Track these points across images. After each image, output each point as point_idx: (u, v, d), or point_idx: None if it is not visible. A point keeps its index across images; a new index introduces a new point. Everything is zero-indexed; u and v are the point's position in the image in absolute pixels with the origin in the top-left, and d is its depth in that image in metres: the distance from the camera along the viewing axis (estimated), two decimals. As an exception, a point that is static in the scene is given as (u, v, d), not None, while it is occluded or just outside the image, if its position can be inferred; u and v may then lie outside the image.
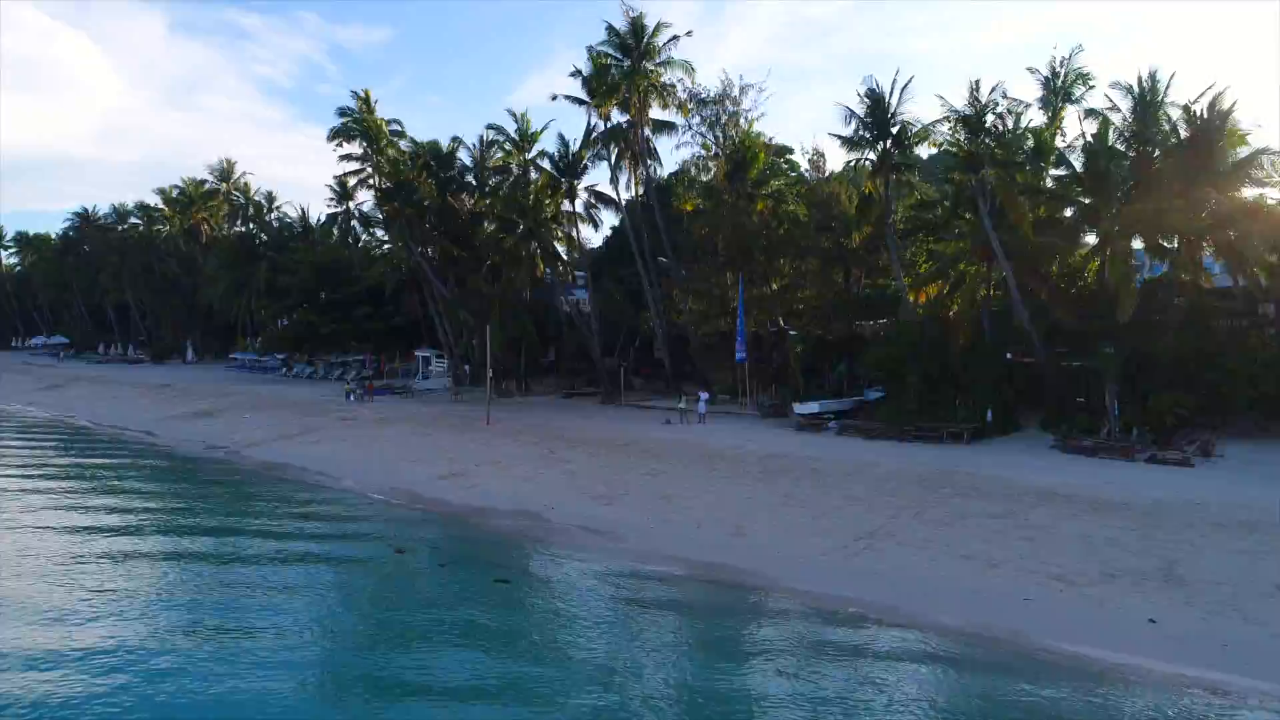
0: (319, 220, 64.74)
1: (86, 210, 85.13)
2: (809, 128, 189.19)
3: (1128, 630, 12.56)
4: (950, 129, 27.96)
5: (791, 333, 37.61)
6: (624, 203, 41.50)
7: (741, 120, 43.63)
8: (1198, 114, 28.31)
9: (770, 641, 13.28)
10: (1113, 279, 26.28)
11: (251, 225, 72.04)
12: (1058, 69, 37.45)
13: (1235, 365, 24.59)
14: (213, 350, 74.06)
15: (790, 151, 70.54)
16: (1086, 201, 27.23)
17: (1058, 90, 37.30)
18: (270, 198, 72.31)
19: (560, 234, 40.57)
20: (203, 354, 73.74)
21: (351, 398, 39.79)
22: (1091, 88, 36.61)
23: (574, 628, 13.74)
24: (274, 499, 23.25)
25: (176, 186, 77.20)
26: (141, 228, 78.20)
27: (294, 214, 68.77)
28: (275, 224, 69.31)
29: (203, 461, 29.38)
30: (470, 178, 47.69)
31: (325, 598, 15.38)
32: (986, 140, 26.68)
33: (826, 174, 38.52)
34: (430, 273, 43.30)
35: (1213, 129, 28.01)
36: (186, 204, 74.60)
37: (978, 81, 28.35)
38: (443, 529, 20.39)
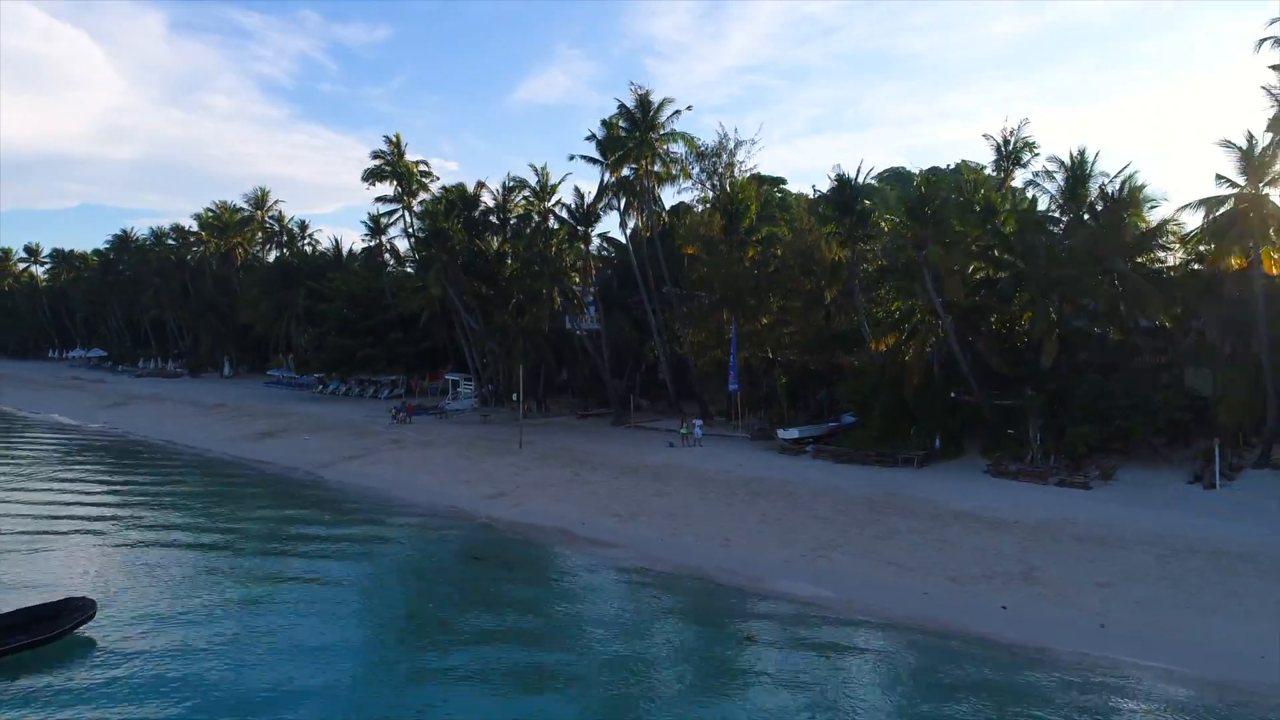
0: (350, 249, 70.76)
1: (125, 232, 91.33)
2: (809, 125, 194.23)
3: (990, 614, 18.41)
4: (901, 215, 33.72)
5: (779, 363, 43.54)
6: (630, 243, 47.36)
7: (736, 170, 49.90)
8: (1111, 192, 34.19)
9: (746, 622, 19.13)
10: (1037, 334, 32.10)
11: (285, 251, 77.90)
12: (1008, 136, 43.60)
13: (1133, 402, 30.41)
14: (247, 365, 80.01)
15: (783, 182, 76.53)
16: (1020, 266, 32.97)
17: (1008, 155, 43.44)
18: (303, 225, 78.64)
19: (576, 279, 46.29)
20: (237, 369, 79.67)
21: (394, 419, 45.64)
22: (1036, 154, 42.72)
23: (604, 608, 19.58)
24: (366, 515, 29.11)
25: (211, 210, 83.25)
26: (179, 250, 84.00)
27: (326, 242, 75.05)
28: (309, 250, 75.22)
29: (291, 483, 35.19)
30: (493, 217, 53.76)
31: (436, 589, 21.27)
32: (930, 223, 32.41)
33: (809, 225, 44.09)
34: (461, 308, 49.18)
35: (1123, 204, 33.88)
36: (222, 229, 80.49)
37: (928, 173, 34.05)
38: (500, 540, 26.20)
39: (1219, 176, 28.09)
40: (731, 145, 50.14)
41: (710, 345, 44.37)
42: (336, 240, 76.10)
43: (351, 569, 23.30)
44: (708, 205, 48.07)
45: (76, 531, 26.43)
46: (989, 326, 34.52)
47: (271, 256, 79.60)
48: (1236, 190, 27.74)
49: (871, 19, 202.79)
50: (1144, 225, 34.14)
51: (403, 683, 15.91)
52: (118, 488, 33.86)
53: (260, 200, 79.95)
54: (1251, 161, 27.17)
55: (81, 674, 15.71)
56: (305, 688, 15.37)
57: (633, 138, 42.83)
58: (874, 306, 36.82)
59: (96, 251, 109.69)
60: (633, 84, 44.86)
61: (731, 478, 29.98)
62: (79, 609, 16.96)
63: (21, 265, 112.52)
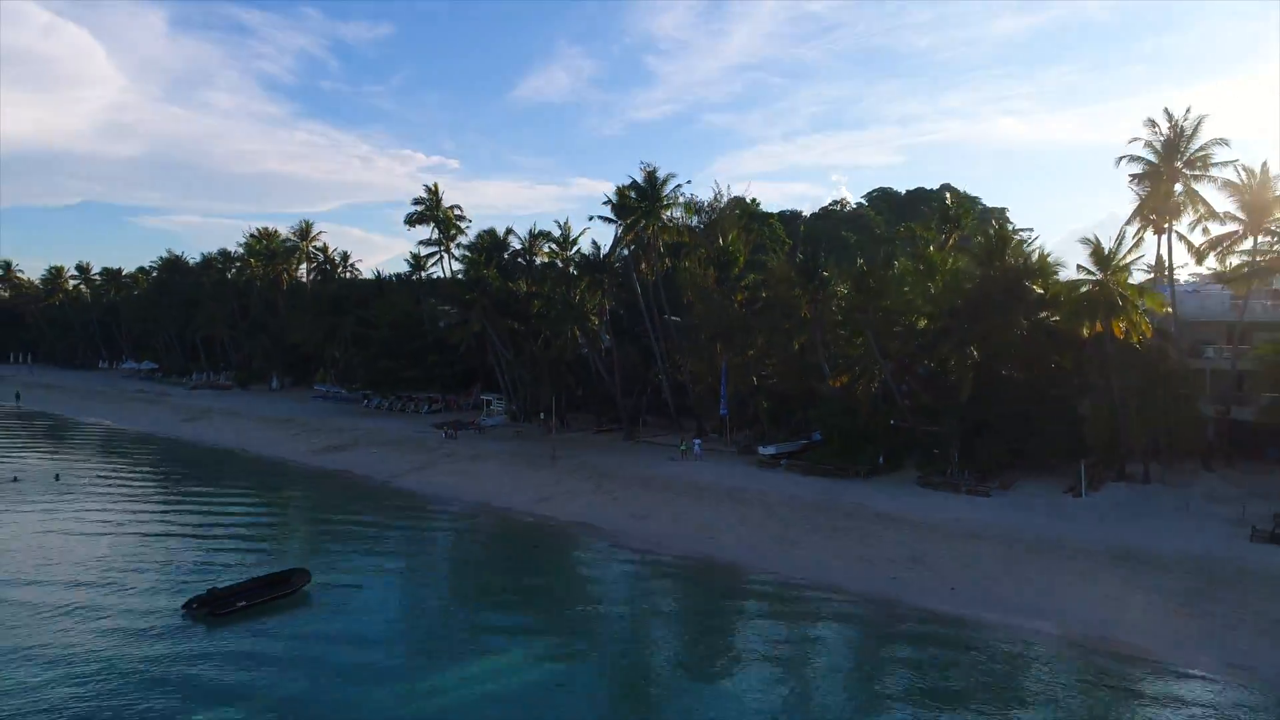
0: (389, 276, 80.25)
1: (176, 256, 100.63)
2: (810, 122, 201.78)
3: (887, 584, 27.80)
4: (848, 288, 43.06)
5: (762, 388, 52.87)
6: (638, 284, 56.59)
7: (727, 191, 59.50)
8: (1017, 261, 43.48)
9: (730, 591, 28.52)
10: (957, 374, 41.44)
11: (331, 275, 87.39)
12: (950, 205, 53.02)
13: (1029, 429, 39.73)
14: (292, 378, 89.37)
15: (771, 217, 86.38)
16: (944, 322, 42.29)
17: (950, 218, 52.82)
18: (345, 256, 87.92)
19: (595, 320, 55.60)
20: (283, 382, 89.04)
21: (446, 435, 55.03)
22: (975, 221, 52.06)
23: (624, 578, 28.96)
24: (445, 513, 38.52)
25: (256, 236, 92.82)
26: (230, 274, 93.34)
27: (365, 271, 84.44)
28: (351, 277, 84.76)
29: (376, 489, 44.54)
30: (520, 259, 63.23)
31: (494, 579, 30.72)
32: (872, 293, 41.80)
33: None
34: (496, 340, 58.56)
35: (1029, 272, 43.15)
36: (270, 257, 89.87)
37: (864, 265, 43.58)
38: (549, 532, 35.58)
39: (1080, 266, 37.53)
40: (725, 199, 59.95)
41: (705, 374, 53.74)
42: (378, 271, 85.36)
43: (445, 552, 32.77)
44: (703, 255, 57.38)
45: (259, 524, 35.96)
46: (922, 367, 43.84)
47: (301, 270, 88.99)
48: (1092, 277, 37.12)
49: (873, 17, 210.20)
50: (1044, 287, 43.36)
51: (490, 609, 25.37)
52: (263, 496, 43.45)
53: (305, 231, 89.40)
54: (1102, 256, 36.57)
55: (308, 615, 25.18)
56: (437, 620, 24.85)
57: (641, 206, 52.18)
58: (834, 348, 46.10)
59: (142, 269, 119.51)
60: (643, 163, 55.46)
61: (719, 488, 39.39)
62: (301, 575, 26.41)
63: (73, 282, 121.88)
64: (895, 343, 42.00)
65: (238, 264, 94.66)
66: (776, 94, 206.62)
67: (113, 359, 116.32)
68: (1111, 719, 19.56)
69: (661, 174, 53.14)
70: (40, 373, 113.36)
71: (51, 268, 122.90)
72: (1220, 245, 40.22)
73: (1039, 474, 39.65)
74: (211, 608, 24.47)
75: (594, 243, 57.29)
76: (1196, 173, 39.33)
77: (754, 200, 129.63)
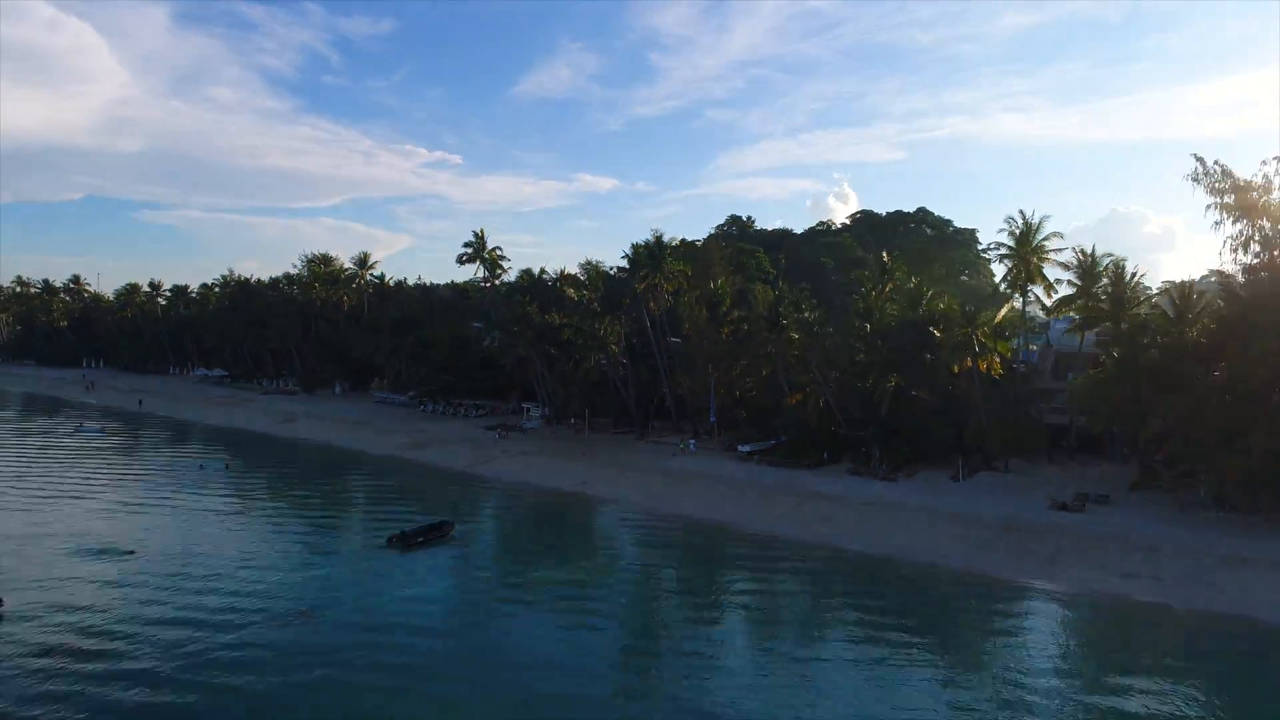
0: (438, 294, 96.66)
1: (246, 279, 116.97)
2: (812, 118, 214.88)
3: (814, 535, 44.25)
4: (800, 333, 59.44)
5: (743, 400, 69.23)
6: (647, 317, 72.79)
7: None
8: (928, 311, 59.82)
9: (713, 538, 44.98)
10: (880, 394, 57.80)
11: (383, 295, 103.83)
12: (887, 262, 69.27)
13: (928, 433, 56.13)
14: (350, 384, 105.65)
15: (756, 251, 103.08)
16: (872, 356, 58.69)
17: (887, 272, 69.07)
18: (400, 283, 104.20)
19: (614, 347, 71.96)
20: (344, 389, 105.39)
21: (499, 436, 71.42)
22: (904, 273, 68.19)
23: (643, 534, 45.41)
24: (516, 494, 54.94)
25: (312, 259, 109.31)
26: (297, 294, 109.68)
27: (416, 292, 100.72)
28: (409, 300, 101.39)
29: (457, 476, 60.83)
30: (553, 292, 79.71)
31: (563, 528, 47.21)
32: (817, 338, 58.24)
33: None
34: (537, 362, 75.00)
35: (935, 320, 59.49)
36: (332, 282, 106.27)
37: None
38: (590, 505, 51.98)
39: (962, 314, 53.99)
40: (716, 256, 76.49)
41: (699, 389, 70.13)
42: (430, 293, 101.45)
43: (522, 512, 49.25)
44: (697, 295, 73.72)
45: (402, 494, 52.43)
46: (854, 390, 60.24)
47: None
48: (963, 329, 53.60)
49: (875, 13, 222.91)
50: (944, 330, 59.61)
51: (555, 544, 41.90)
52: (390, 479, 59.96)
53: (363, 260, 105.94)
54: (968, 315, 53.06)
55: (455, 548, 41.68)
56: (527, 548, 41.41)
57: (651, 263, 68.63)
58: (792, 373, 62.45)
59: (205, 286, 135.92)
60: (653, 230, 71.99)
61: (708, 474, 55.88)
62: (449, 525, 42.91)
63: (145, 297, 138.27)
64: (835, 371, 58.48)
65: (297, 286, 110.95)
66: (779, 90, 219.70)
67: (183, 366, 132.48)
68: (921, 594, 35.92)
69: (667, 239, 69.42)
70: (117, 376, 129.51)
71: (126, 285, 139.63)
72: (1064, 305, 56.74)
73: (935, 466, 56.07)
74: (404, 542, 40.89)
75: (616, 268, 74.09)
76: (1045, 254, 55.88)
77: (750, 219, 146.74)
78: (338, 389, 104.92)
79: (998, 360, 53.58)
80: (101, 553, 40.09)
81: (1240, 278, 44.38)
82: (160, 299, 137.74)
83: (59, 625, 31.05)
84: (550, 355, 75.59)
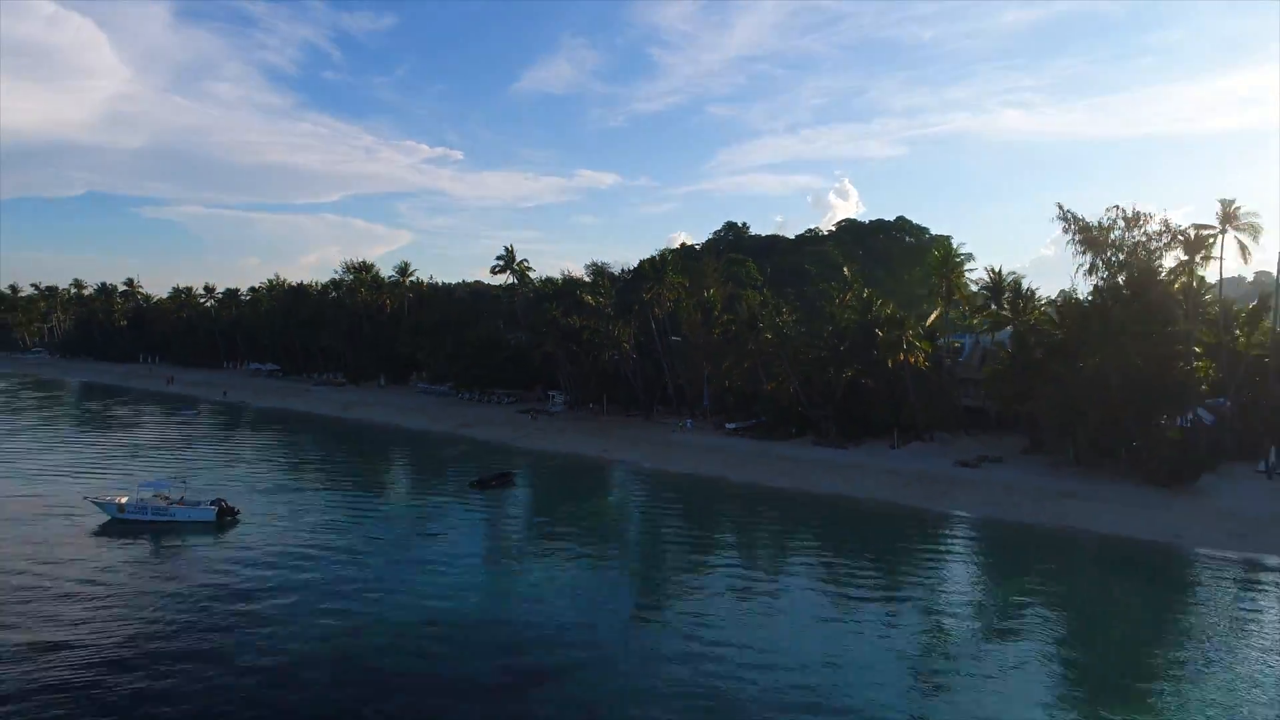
0: (474, 302, 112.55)
1: (299, 284, 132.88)
2: (814, 114, 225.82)
3: (785, 483, 60.28)
4: (774, 334, 75.39)
5: (731, 387, 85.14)
6: (652, 321, 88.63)
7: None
8: (875, 315, 75.80)
9: (706, 487, 60.97)
10: (836, 382, 73.76)
11: (421, 300, 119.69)
12: (847, 274, 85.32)
13: (873, 412, 72.10)
14: (391, 376, 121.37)
15: (746, 261, 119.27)
16: (831, 353, 74.61)
17: (848, 283, 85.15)
18: (437, 287, 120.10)
19: (626, 345, 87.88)
20: (387, 380, 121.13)
21: (531, 418, 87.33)
22: (860, 284, 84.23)
23: (649, 481, 61.37)
24: (551, 460, 70.87)
25: (352, 266, 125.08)
26: (345, 299, 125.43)
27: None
28: (444, 303, 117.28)
29: (502, 447, 76.72)
30: (574, 298, 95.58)
31: (593, 479, 63.20)
32: (785, 340, 74.20)
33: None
34: (561, 358, 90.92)
35: (879, 322, 75.43)
36: (376, 288, 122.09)
37: (782, 321, 75.97)
38: (608, 466, 67.94)
39: (912, 320, 70.07)
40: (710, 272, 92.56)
41: (695, 379, 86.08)
42: (466, 300, 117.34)
43: (559, 470, 65.21)
44: (693, 302, 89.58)
45: (470, 456, 68.39)
46: (817, 378, 76.16)
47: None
48: (895, 332, 69.58)
49: (878, 8, 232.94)
50: (886, 331, 75.50)
51: (582, 489, 57.90)
52: (456, 447, 75.75)
53: (404, 269, 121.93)
54: (902, 320, 69.03)
55: (516, 491, 57.67)
56: (564, 493, 57.47)
57: (655, 276, 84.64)
58: (770, 366, 78.40)
59: (253, 289, 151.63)
60: (655, 250, 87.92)
61: (701, 445, 71.87)
62: (512, 474, 58.87)
63: (198, 299, 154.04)
64: (800, 365, 74.51)
65: (345, 291, 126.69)
66: (780, 86, 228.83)
67: (234, 361, 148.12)
68: (856, 515, 51.82)
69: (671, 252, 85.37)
70: (177, 371, 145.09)
71: (181, 288, 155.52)
72: (978, 312, 72.80)
73: (878, 438, 72.03)
74: (482, 485, 56.76)
75: (623, 270, 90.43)
76: (960, 273, 71.95)
77: (745, 225, 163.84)
78: (381, 381, 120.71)
79: (923, 356, 69.55)
80: (279, 489, 56.03)
81: (1088, 296, 60.39)
82: (211, 301, 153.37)
83: (283, 530, 46.94)
84: (571, 351, 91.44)
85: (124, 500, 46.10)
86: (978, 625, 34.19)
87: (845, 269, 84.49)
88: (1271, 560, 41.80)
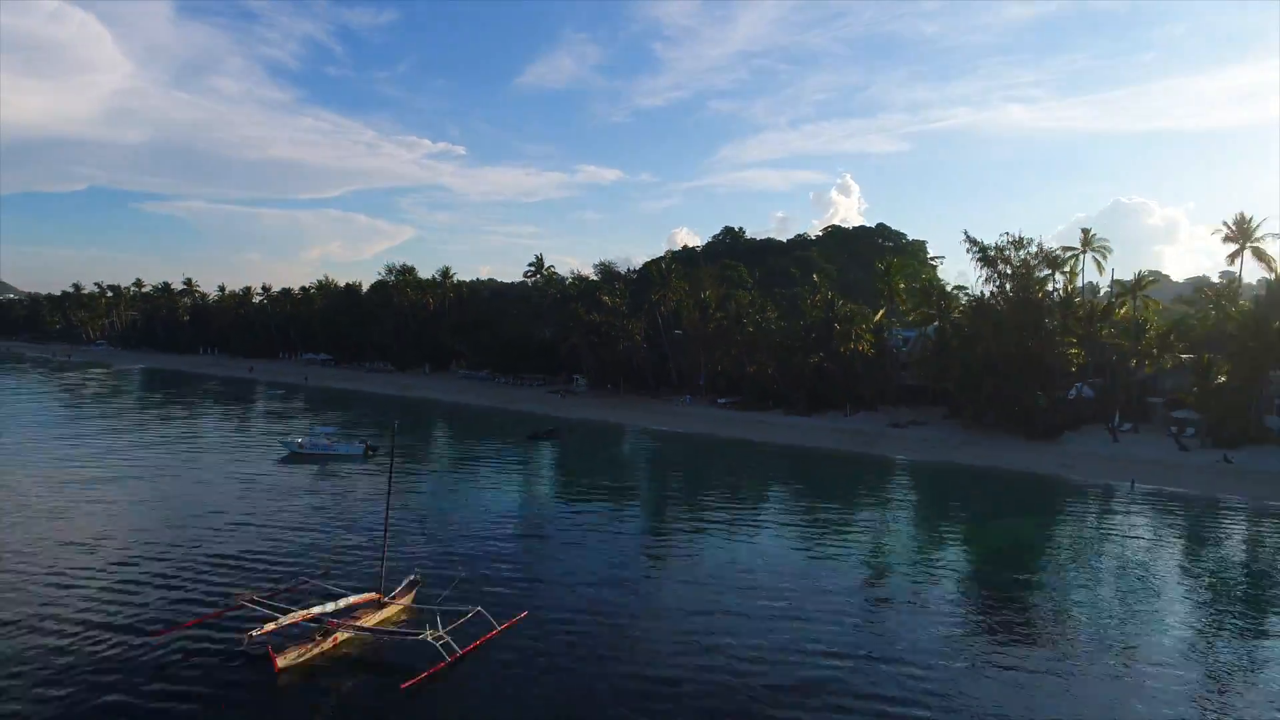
0: (503, 300, 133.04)
1: (350, 284, 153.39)
2: (817, 109, 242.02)
3: (761, 438, 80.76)
4: (755, 329, 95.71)
5: (719, 371, 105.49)
6: (660, 319, 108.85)
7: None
8: (835, 313, 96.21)
9: (701, 441, 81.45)
10: (807, 369, 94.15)
11: (461, 299, 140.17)
12: (817, 279, 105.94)
13: (835, 389, 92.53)
14: (433, 364, 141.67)
15: (738, 266, 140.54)
16: (802, 343, 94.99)
17: (819, 286, 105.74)
18: (474, 284, 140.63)
19: (638, 337, 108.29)
20: (430, 368, 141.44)
21: (560, 396, 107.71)
22: (826, 290, 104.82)
23: (658, 440, 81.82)
24: (584, 424, 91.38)
25: (396, 269, 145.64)
26: (392, 297, 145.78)
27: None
28: (480, 302, 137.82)
29: (541, 417, 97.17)
30: (593, 300, 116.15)
31: (614, 437, 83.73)
32: (761, 333, 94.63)
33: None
34: (584, 348, 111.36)
35: (840, 318, 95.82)
36: (421, 289, 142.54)
37: (758, 320, 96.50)
38: (628, 428, 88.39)
39: (878, 314, 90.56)
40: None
41: (693, 366, 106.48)
42: (498, 299, 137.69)
43: (590, 434, 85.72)
44: (692, 302, 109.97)
45: (528, 417, 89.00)
46: (790, 362, 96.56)
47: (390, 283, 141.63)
48: (846, 326, 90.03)
49: (880, 3, 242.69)
50: (842, 323, 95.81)
51: (613, 444, 78.46)
52: (514, 412, 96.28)
53: (446, 273, 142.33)
54: (851, 316, 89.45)
55: (562, 445, 78.23)
56: (599, 448, 78.03)
57: (661, 281, 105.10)
58: (752, 354, 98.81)
59: (304, 289, 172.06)
60: (661, 262, 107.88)
61: (696, 415, 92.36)
62: (559, 429, 79.33)
63: (257, 297, 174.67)
64: (779, 352, 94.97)
65: (393, 291, 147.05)
66: (783, 81, 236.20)
67: (289, 351, 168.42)
68: (812, 458, 72.20)
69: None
70: (236, 360, 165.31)
71: (243, 288, 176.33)
72: (913, 310, 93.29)
73: (836, 409, 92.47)
74: (536, 437, 77.03)
75: (629, 270, 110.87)
76: (897, 281, 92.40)
77: (741, 229, 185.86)
78: (426, 369, 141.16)
79: (868, 345, 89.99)
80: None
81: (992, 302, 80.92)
82: (264, 299, 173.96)
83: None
84: (592, 342, 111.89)
85: (301, 441, 66.16)
86: (901, 526, 54.50)
87: (815, 275, 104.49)
88: (1114, 484, 62.32)
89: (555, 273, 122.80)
